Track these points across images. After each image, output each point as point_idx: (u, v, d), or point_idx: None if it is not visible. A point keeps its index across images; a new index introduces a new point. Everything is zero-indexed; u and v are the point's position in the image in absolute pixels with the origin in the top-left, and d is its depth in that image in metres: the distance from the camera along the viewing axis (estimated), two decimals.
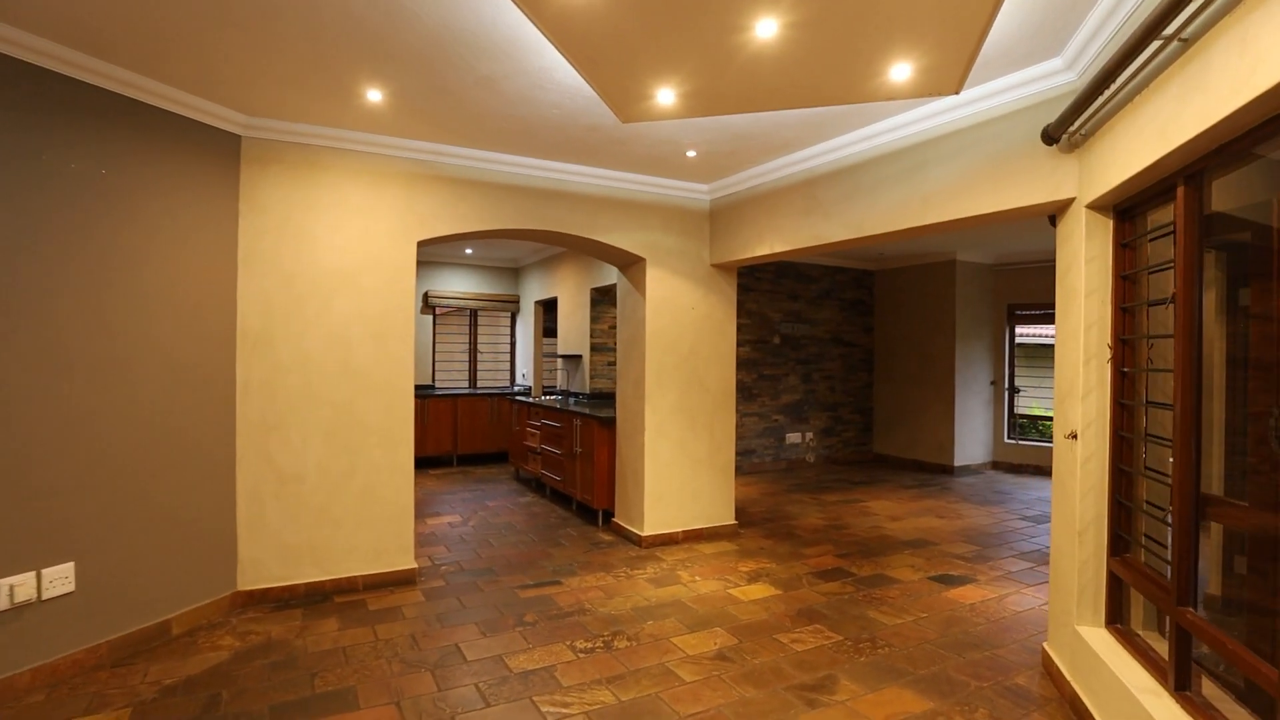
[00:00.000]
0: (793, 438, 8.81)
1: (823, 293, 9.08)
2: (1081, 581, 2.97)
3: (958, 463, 8.46)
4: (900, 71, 2.74)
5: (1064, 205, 3.11)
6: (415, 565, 4.40)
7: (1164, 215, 2.82)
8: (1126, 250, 2.88)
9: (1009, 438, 8.78)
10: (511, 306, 9.86)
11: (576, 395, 7.76)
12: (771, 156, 4.57)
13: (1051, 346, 10.96)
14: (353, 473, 4.18)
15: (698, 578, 4.53)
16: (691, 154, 4.51)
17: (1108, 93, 2.55)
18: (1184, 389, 2.34)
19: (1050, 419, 8.73)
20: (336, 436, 4.14)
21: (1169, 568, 2.44)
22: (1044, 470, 8.43)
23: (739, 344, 8.34)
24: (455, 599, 4.12)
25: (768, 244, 4.83)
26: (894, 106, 3.67)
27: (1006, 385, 8.78)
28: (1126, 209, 2.85)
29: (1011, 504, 6.86)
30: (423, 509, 6.41)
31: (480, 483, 7.76)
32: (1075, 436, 2.97)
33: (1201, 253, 2.33)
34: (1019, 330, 8.92)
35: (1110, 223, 2.93)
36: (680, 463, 5.32)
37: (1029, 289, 8.57)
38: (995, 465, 8.83)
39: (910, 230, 3.83)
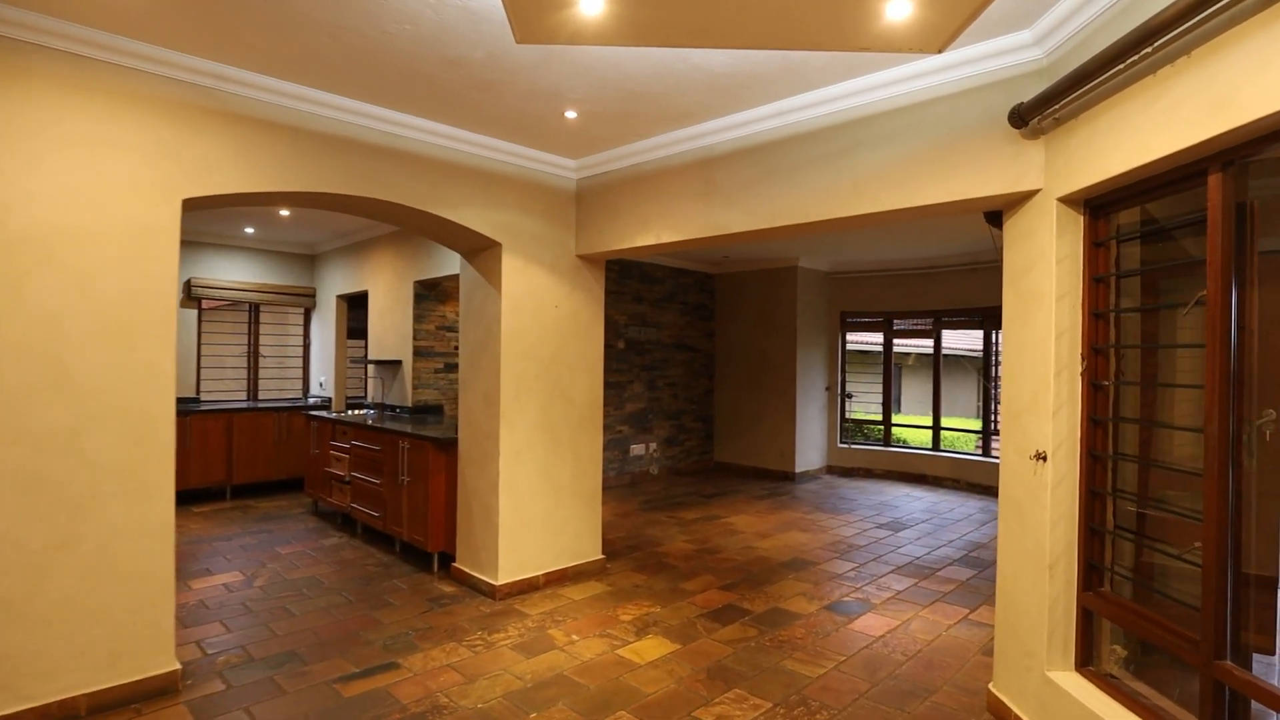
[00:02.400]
0: (637, 449, 8.24)
1: (667, 295, 8.64)
2: (1052, 621, 2.62)
3: (798, 469, 8.46)
4: (898, 9, 2.16)
5: (1023, 198, 2.77)
6: (177, 666, 3.05)
7: (1140, 214, 2.57)
8: (1099, 250, 2.58)
9: (841, 442, 9.00)
10: (305, 301, 8.17)
11: (394, 409, 6.48)
12: (664, 128, 3.88)
13: (875, 353, 11.59)
14: (72, 542, 2.75)
15: (575, 636, 3.69)
16: (572, 114, 3.66)
17: (1111, 71, 2.18)
18: (1218, 406, 2.00)
19: (878, 423, 9.09)
20: (40, 489, 2.69)
21: (1196, 614, 2.11)
22: (874, 474, 8.72)
23: None
24: (244, 714, 2.87)
25: (654, 233, 4.13)
26: (816, 78, 3.15)
27: (840, 391, 8.99)
28: (1100, 205, 2.55)
29: (861, 510, 6.86)
30: (186, 566, 4.81)
31: (267, 521, 6.16)
32: (1044, 457, 2.62)
33: (1234, 249, 2.02)
34: (849, 337, 9.20)
35: (1082, 219, 2.62)
36: (542, 492, 4.43)
37: (860, 297, 8.84)
38: (830, 470, 8.99)
39: (837, 222, 3.34)
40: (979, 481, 7.84)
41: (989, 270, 7.76)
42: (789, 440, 8.46)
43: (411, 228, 4.33)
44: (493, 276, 4.29)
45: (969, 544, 5.66)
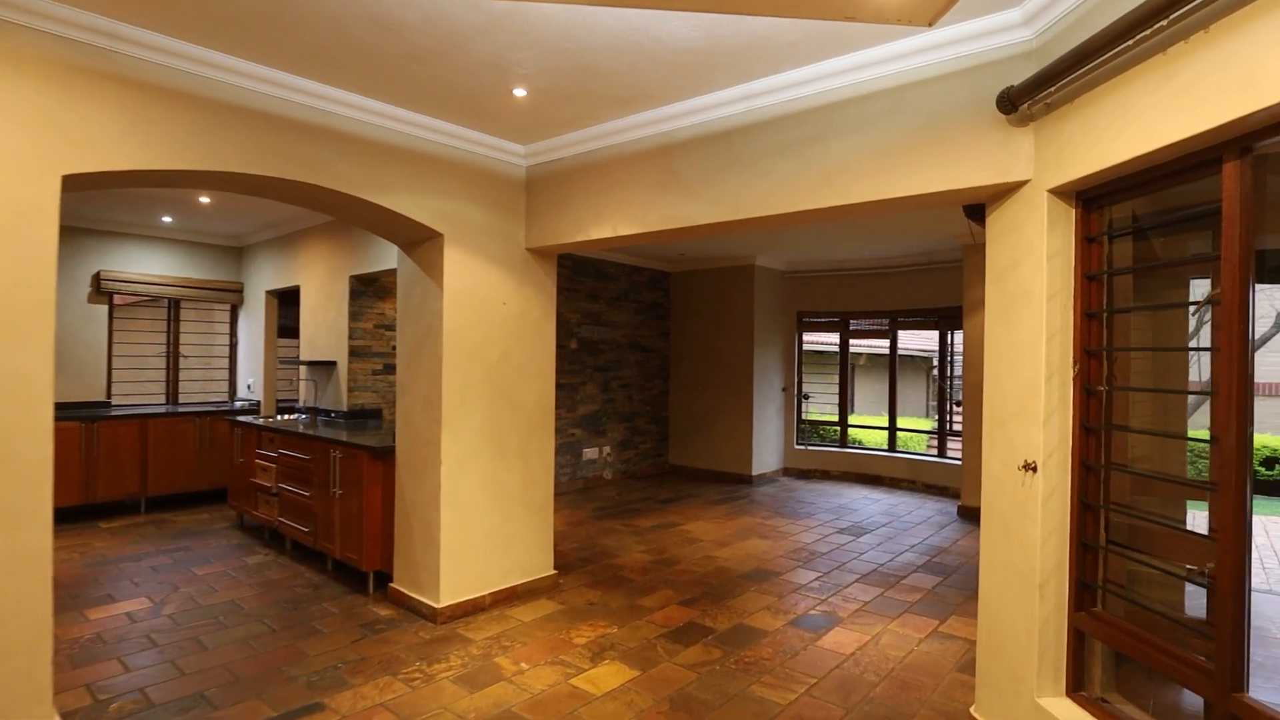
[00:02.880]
0: (590, 453, 7.92)
1: (621, 294, 8.35)
2: (1043, 643, 2.44)
3: (755, 471, 8.28)
4: None
5: (1009, 190, 2.58)
6: (56, 719, 2.61)
7: (1143, 206, 2.41)
8: (1092, 246, 2.41)
9: (798, 443, 8.87)
10: (231, 297, 7.58)
11: (329, 414, 6.01)
12: (621, 111, 3.59)
13: (829, 353, 11.52)
14: None
15: (525, 665, 3.37)
16: (520, 92, 3.34)
17: (1117, 49, 1.99)
18: (1235, 416, 1.83)
19: (834, 424, 9.00)
20: None
21: (1203, 640, 1.94)
22: (831, 475, 8.62)
23: None
24: None
25: (610, 225, 3.83)
26: (785, 59, 2.91)
27: (796, 392, 8.86)
28: (1093, 198, 2.38)
29: (820, 514, 6.71)
30: (84, 593, 4.29)
31: (185, 538, 5.62)
32: (1034, 468, 2.43)
33: (1253, 243, 1.86)
34: (806, 337, 9.08)
35: (1073, 212, 2.44)
36: (488, 504, 4.09)
37: (816, 297, 8.73)
38: (787, 472, 8.85)
39: (806, 214, 3.11)
40: (935, 482, 7.80)
41: (944, 270, 7.73)
42: (746, 442, 8.28)
43: (343, 216, 3.93)
44: (434, 270, 3.92)
45: (930, 549, 5.55)
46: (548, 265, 4.43)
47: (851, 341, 8.90)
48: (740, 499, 7.40)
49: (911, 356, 15.76)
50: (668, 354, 9.08)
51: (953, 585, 4.64)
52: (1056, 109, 2.34)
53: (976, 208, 2.91)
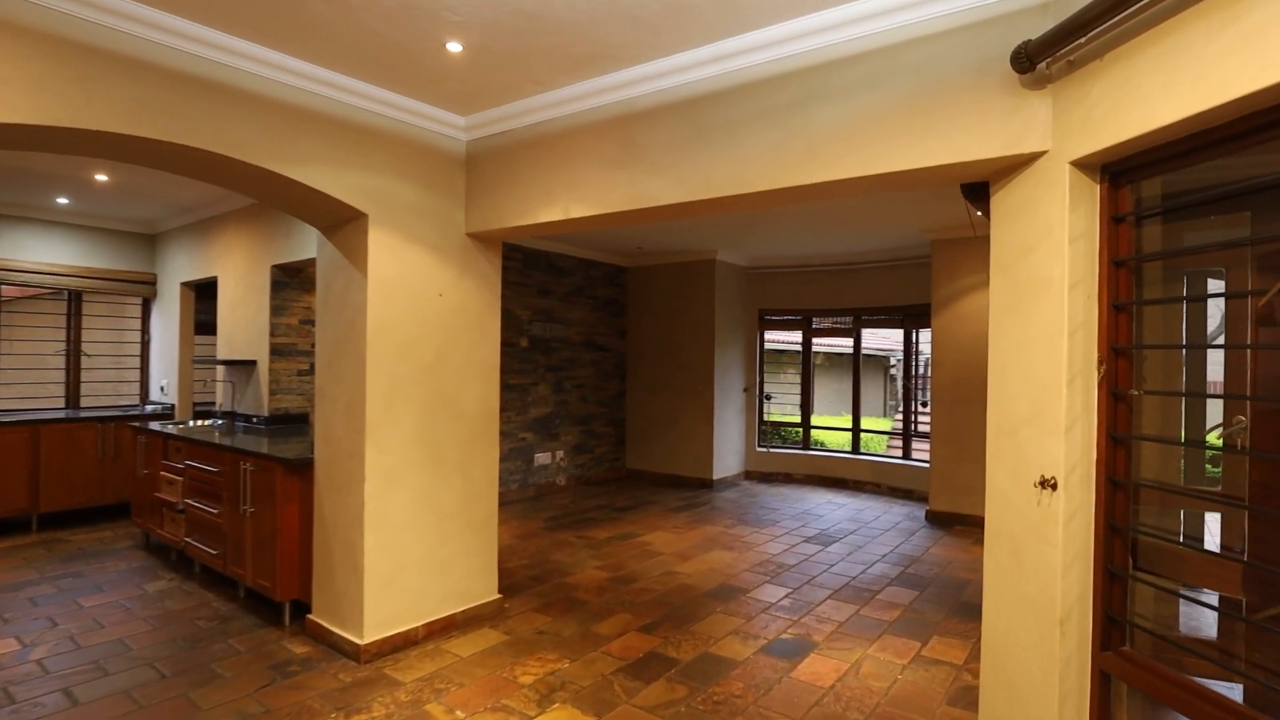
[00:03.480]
0: (542, 458, 7.44)
1: (576, 289, 7.89)
2: (1064, 689, 2.10)
3: (716, 475, 7.93)
4: None
5: (1022, 163, 2.24)
6: None
7: (1186, 182, 2.08)
8: (1121, 227, 2.08)
9: (760, 445, 8.55)
10: (143, 289, 6.85)
11: (249, 419, 5.40)
12: (574, 75, 3.14)
13: (791, 352, 11.26)
14: None
15: (461, 713, 2.90)
16: (455, 47, 2.86)
17: None
18: None
19: (796, 425, 8.71)
20: None
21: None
22: (794, 478, 8.32)
23: None
24: None
25: (561, 207, 3.39)
26: (762, 15, 2.52)
27: (758, 392, 8.54)
28: (1123, 171, 2.05)
29: (785, 521, 6.38)
30: None
31: (79, 561, 4.94)
32: (1054, 485, 2.09)
33: None
34: (767, 336, 8.78)
35: (1098, 189, 2.10)
36: (422, 523, 3.60)
37: (779, 294, 8.42)
38: (749, 475, 8.53)
39: (788, 192, 2.72)
40: (901, 485, 7.58)
41: (910, 267, 7.51)
42: (706, 445, 7.92)
43: (250, 192, 3.38)
44: (357, 256, 3.41)
45: (902, 558, 5.27)
46: (492, 254, 3.96)
47: (815, 340, 8.64)
48: (701, 505, 7.03)
49: (870, 355, 15.72)
50: (625, 353, 8.66)
51: (930, 600, 4.34)
52: (1082, 66, 2.00)
53: (977, 187, 2.58)
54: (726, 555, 5.27)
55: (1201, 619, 2.50)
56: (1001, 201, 2.35)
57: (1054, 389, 2.10)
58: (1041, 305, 2.15)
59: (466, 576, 3.82)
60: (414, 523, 3.54)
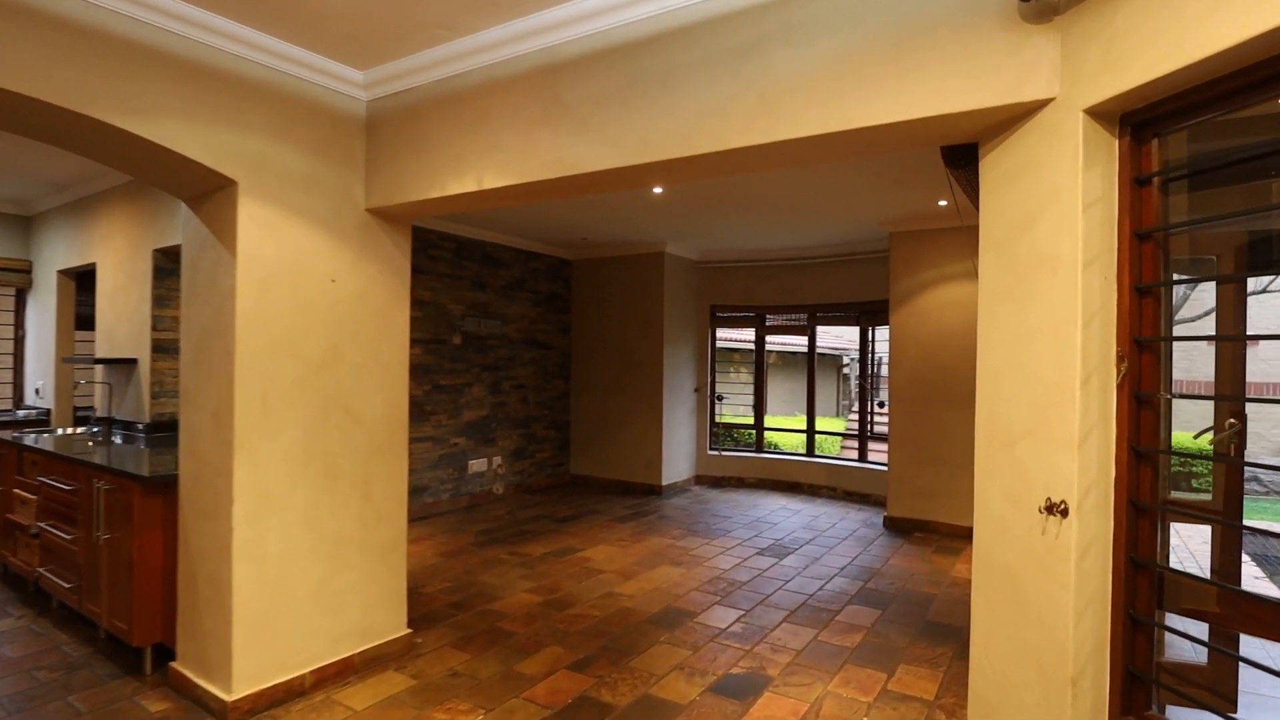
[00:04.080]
0: (478, 465, 6.87)
1: (515, 282, 7.33)
2: None
3: (666, 481, 7.49)
4: None
5: (1021, 114, 1.83)
6: None
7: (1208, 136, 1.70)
8: (1144, 191, 1.69)
9: (711, 448, 8.14)
10: (16, 278, 6.02)
11: (129, 426, 4.70)
12: (488, 19, 2.63)
13: (745, 351, 10.89)
14: None
15: None
16: None
17: None
18: None
19: (749, 427, 8.33)
20: None
21: None
22: (746, 483, 7.94)
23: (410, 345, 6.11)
24: None
25: (474, 176, 2.86)
26: None
27: (710, 393, 8.13)
28: (1148, 121, 1.65)
29: (737, 531, 5.97)
30: None
31: None
32: (1064, 511, 1.69)
33: None
34: (719, 334, 8.38)
35: (1117, 144, 1.71)
36: (308, 552, 3.03)
37: (730, 290, 8.03)
38: (699, 480, 8.11)
39: (739, 154, 2.27)
40: (857, 489, 7.27)
41: (867, 262, 7.20)
42: (655, 449, 7.47)
43: (91, 152, 2.76)
44: (225, 232, 2.83)
45: (861, 570, 4.90)
46: (399, 235, 3.41)
47: (769, 338, 8.28)
48: (649, 514, 6.57)
49: (824, 354, 15.56)
50: (569, 351, 8.14)
51: (893, 619, 3.97)
52: None
53: (962, 150, 2.17)
54: (674, 572, 4.81)
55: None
56: (995, 164, 1.95)
57: (1064, 391, 1.69)
58: (1047, 288, 1.75)
59: (367, 611, 3.26)
60: (297, 551, 2.97)
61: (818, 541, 5.68)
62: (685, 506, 6.92)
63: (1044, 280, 1.76)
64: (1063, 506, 1.69)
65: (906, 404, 6.07)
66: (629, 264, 7.71)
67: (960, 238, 5.74)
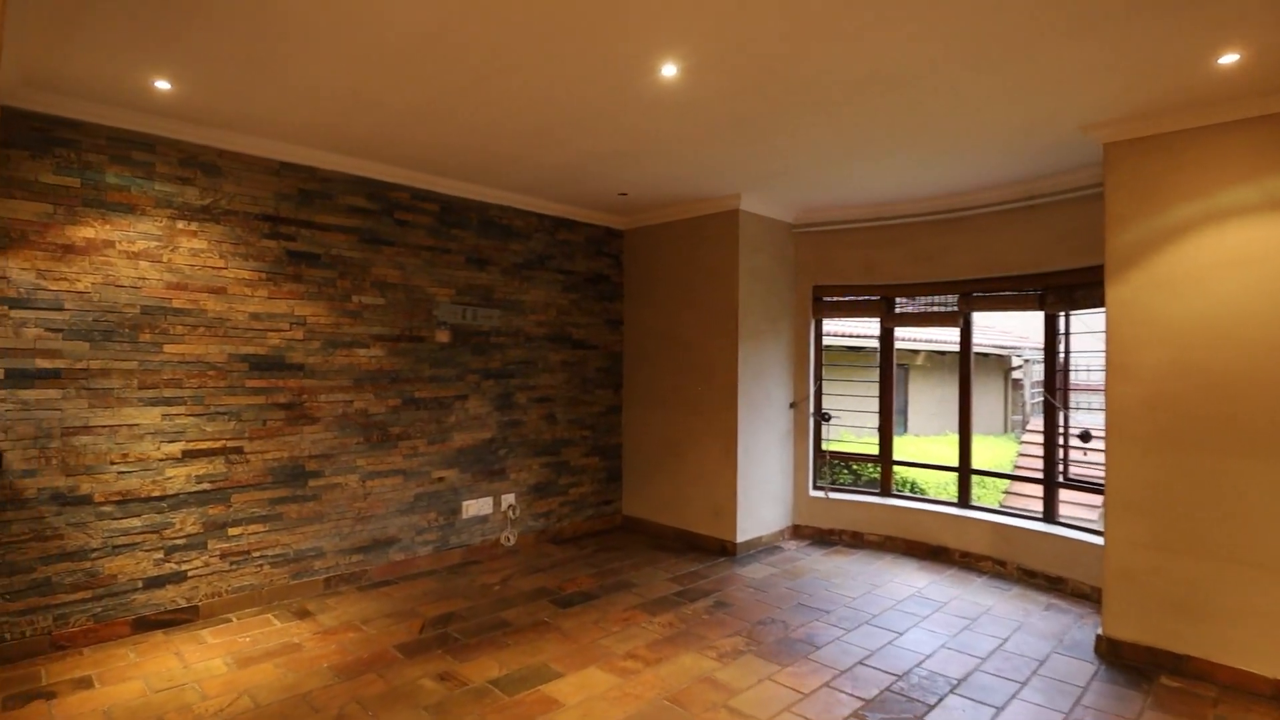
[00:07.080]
0: (476, 507, 5.08)
1: (535, 258, 5.47)
2: None
3: (742, 536, 5.29)
4: None
5: None
6: None
7: None
8: None
9: (815, 489, 5.81)
10: None
11: None
12: None
13: (868, 350, 8.29)
14: None
15: None
16: None
17: None
18: None
19: (870, 458, 5.88)
20: None
21: None
22: (866, 541, 5.54)
23: (364, 343, 4.43)
24: None
25: None
26: None
27: (813, 409, 5.80)
28: None
29: (833, 644, 3.68)
30: None
31: None
32: None
33: None
34: (827, 325, 6.03)
35: None
36: None
37: (840, 262, 5.66)
38: (797, 532, 5.82)
39: None
40: (1040, 569, 4.64)
41: (1054, 207, 4.58)
42: (728, 490, 5.28)
43: None
44: None
45: None
46: None
47: (899, 331, 5.82)
48: (703, 596, 4.41)
49: (983, 353, 12.29)
50: (619, 351, 6.15)
51: None
52: None
53: None
54: None
55: None
56: None
57: None
58: None
59: None
60: None
61: (976, 682, 3.27)
62: (763, 584, 4.68)
63: None
64: None
65: (1142, 442, 3.48)
66: (690, 230, 5.58)
67: (1260, 133, 3.10)
